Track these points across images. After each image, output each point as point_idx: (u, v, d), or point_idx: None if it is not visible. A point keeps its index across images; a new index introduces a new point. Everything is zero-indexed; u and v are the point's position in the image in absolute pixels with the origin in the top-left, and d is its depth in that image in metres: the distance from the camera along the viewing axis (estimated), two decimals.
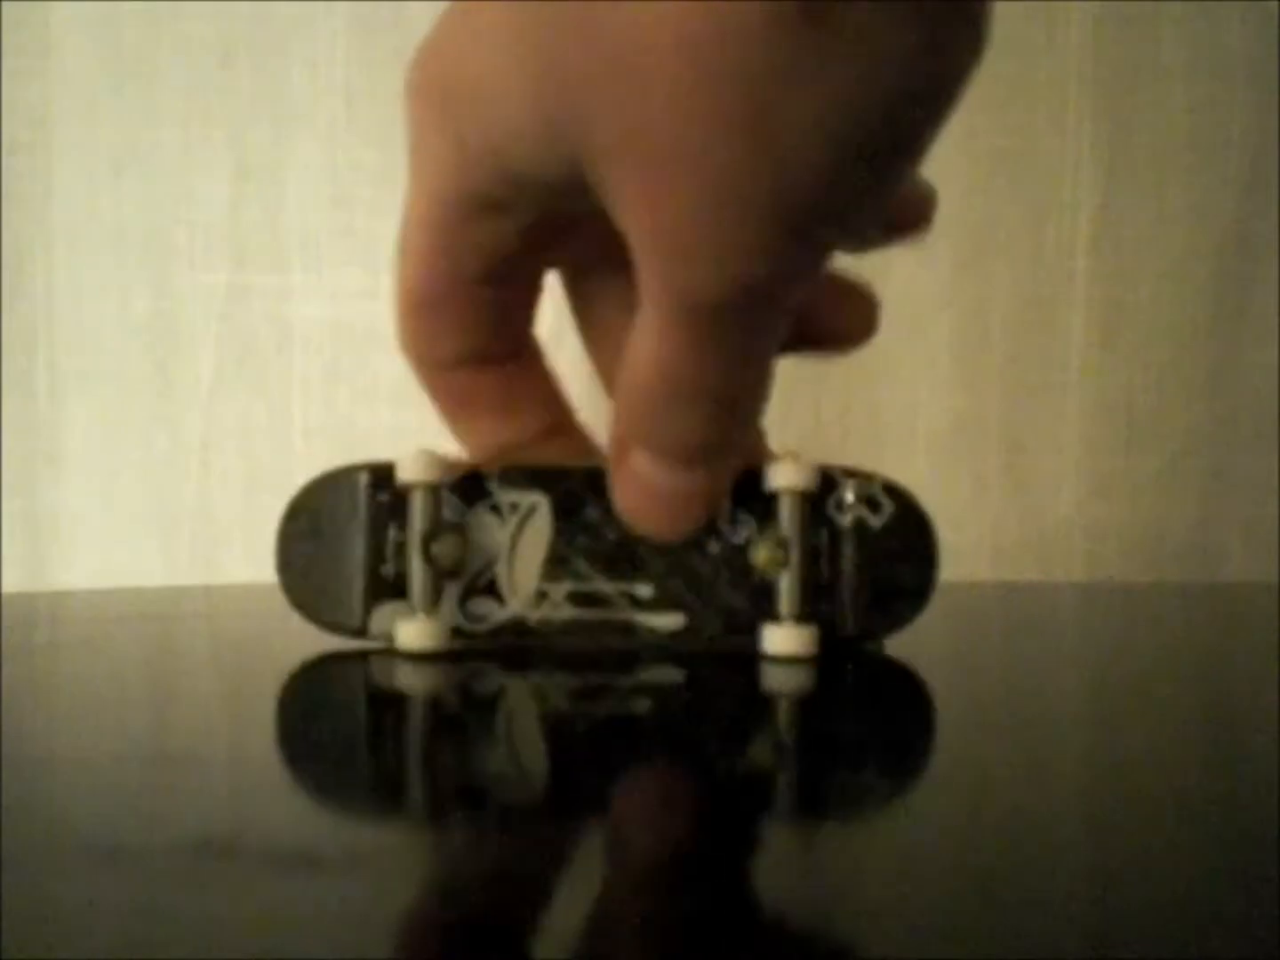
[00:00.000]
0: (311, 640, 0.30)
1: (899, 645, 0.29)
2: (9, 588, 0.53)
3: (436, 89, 0.19)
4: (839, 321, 0.24)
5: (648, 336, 0.19)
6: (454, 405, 0.25)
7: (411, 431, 0.56)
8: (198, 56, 0.54)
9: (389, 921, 0.13)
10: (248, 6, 0.54)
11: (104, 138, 0.54)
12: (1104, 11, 0.56)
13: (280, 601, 0.30)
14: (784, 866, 0.16)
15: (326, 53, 0.54)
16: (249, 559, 0.53)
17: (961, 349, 0.57)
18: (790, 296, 0.18)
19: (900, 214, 0.23)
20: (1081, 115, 0.57)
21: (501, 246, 0.21)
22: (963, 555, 0.57)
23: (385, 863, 0.15)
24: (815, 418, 0.56)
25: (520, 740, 0.23)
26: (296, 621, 0.30)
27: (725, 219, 0.16)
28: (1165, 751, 0.22)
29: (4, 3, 0.53)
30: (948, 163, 0.56)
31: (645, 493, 0.22)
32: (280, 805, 0.18)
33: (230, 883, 0.14)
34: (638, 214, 0.17)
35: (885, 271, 0.57)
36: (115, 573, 0.54)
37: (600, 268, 0.24)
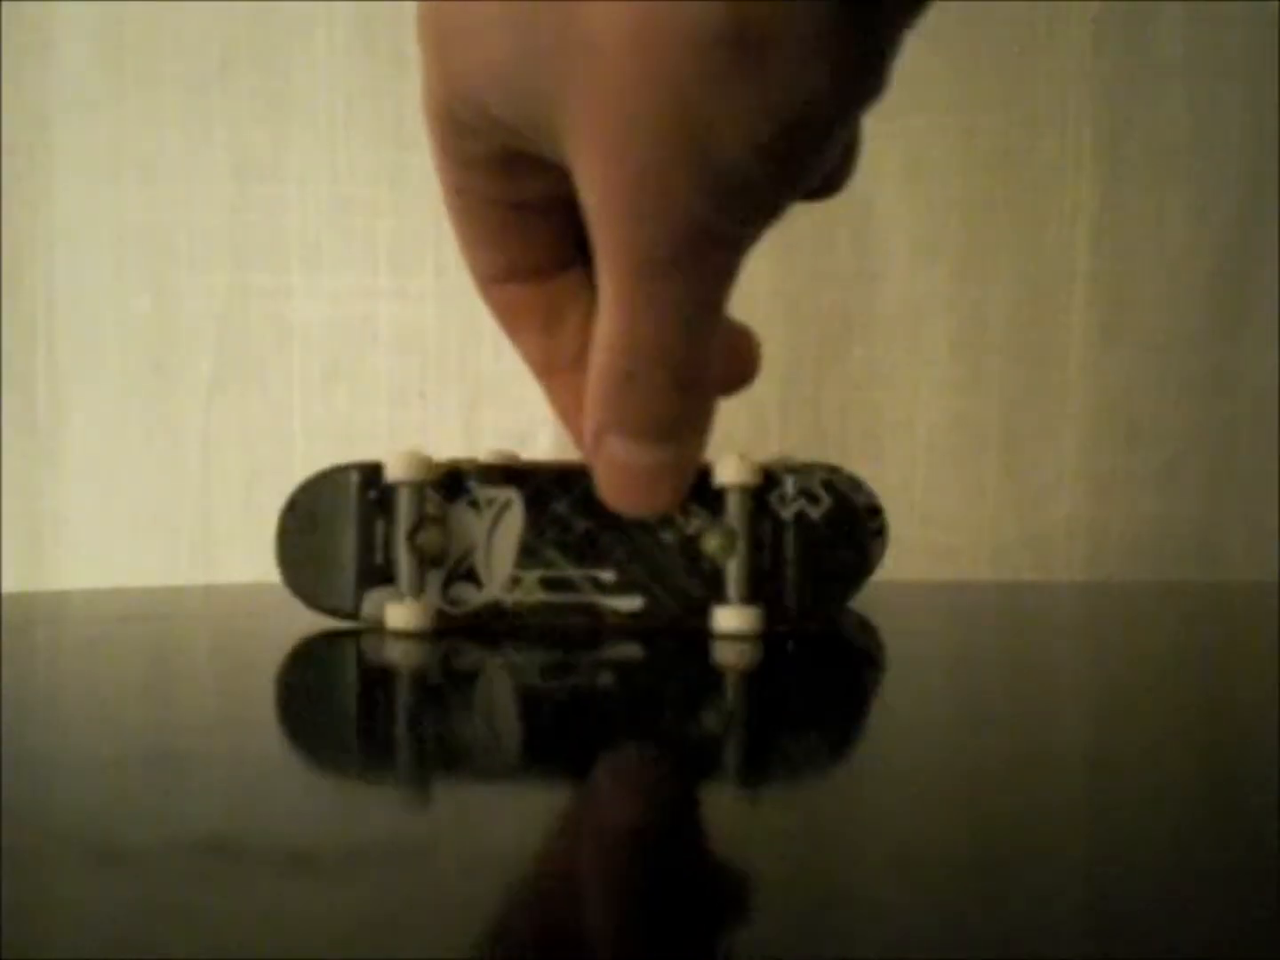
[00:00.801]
0: (311, 639, 0.30)
1: (901, 643, 0.29)
2: (9, 588, 0.53)
3: (432, 27, 0.21)
4: None
5: (606, 317, 0.22)
6: (504, 319, 0.26)
7: (410, 430, 0.57)
8: (198, 56, 0.54)
9: (389, 921, 0.13)
10: (248, 7, 0.54)
11: (104, 138, 0.54)
12: (1104, 11, 0.56)
13: (279, 600, 0.30)
14: (739, 828, 0.17)
15: (326, 53, 0.54)
16: (249, 558, 0.53)
17: (961, 349, 0.57)
18: (722, 258, 0.21)
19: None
20: (1081, 115, 0.57)
21: (482, 163, 0.23)
22: (963, 555, 0.57)
23: (385, 861, 0.15)
24: (815, 418, 0.56)
25: (498, 711, 0.26)
26: (295, 620, 0.31)
27: (660, 187, 0.19)
28: (1165, 750, 0.22)
29: (4, 3, 0.53)
30: (948, 162, 0.56)
31: (624, 474, 0.24)
32: (280, 804, 0.18)
33: (230, 883, 0.14)
34: (591, 174, 0.20)
35: (885, 272, 0.57)
36: (115, 573, 0.54)
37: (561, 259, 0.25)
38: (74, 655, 0.32)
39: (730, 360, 0.25)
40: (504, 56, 0.20)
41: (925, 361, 0.57)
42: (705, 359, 0.22)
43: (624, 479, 0.24)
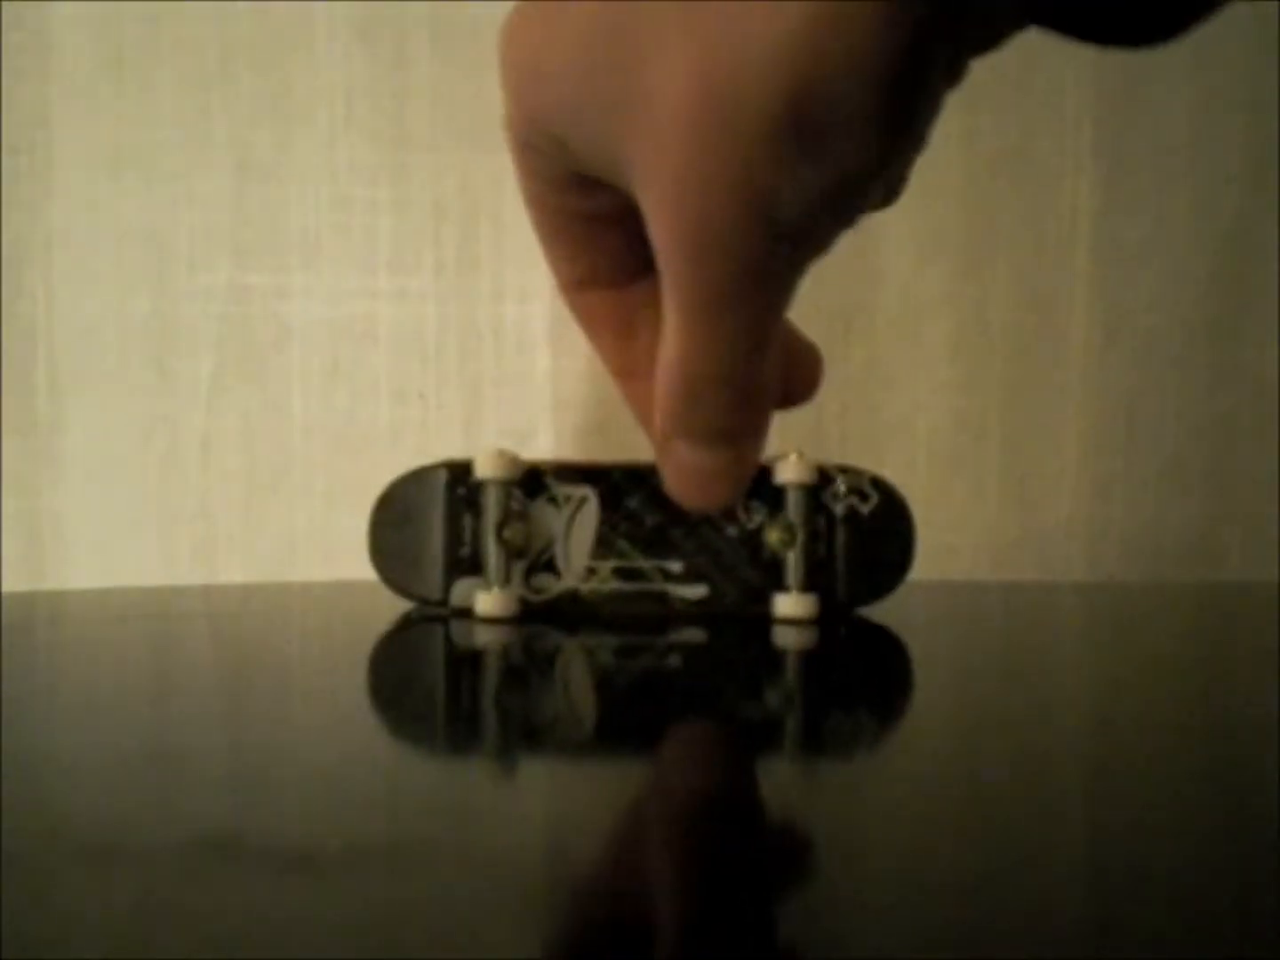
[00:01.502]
0: (311, 639, 0.30)
1: (902, 643, 0.29)
2: (9, 588, 0.53)
3: (511, 64, 0.23)
4: None
5: (671, 340, 0.23)
6: (584, 324, 0.28)
7: (410, 430, 0.57)
8: (198, 56, 0.54)
9: (390, 921, 0.13)
10: (248, 6, 0.54)
11: (104, 138, 0.54)
12: None
13: (278, 600, 0.30)
14: (790, 797, 0.19)
15: (326, 53, 0.54)
16: (248, 558, 0.53)
17: (961, 349, 0.57)
18: (776, 292, 0.23)
19: None
20: (1081, 115, 0.57)
21: (555, 180, 0.25)
22: (963, 555, 0.57)
23: (389, 859, 0.15)
24: (815, 418, 0.56)
25: (574, 689, 0.29)
26: (295, 621, 0.31)
27: (717, 236, 0.21)
28: (1164, 750, 0.22)
29: (4, 3, 0.53)
30: (948, 163, 0.56)
31: (688, 474, 0.26)
32: (280, 803, 0.18)
33: (230, 882, 0.14)
34: (652, 214, 0.22)
35: (886, 272, 0.57)
36: (115, 573, 0.54)
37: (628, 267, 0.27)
38: (74, 655, 0.32)
39: (794, 375, 0.27)
40: (574, 100, 0.22)
41: (925, 361, 0.57)
42: (762, 376, 0.24)
43: (689, 479, 0.26)
